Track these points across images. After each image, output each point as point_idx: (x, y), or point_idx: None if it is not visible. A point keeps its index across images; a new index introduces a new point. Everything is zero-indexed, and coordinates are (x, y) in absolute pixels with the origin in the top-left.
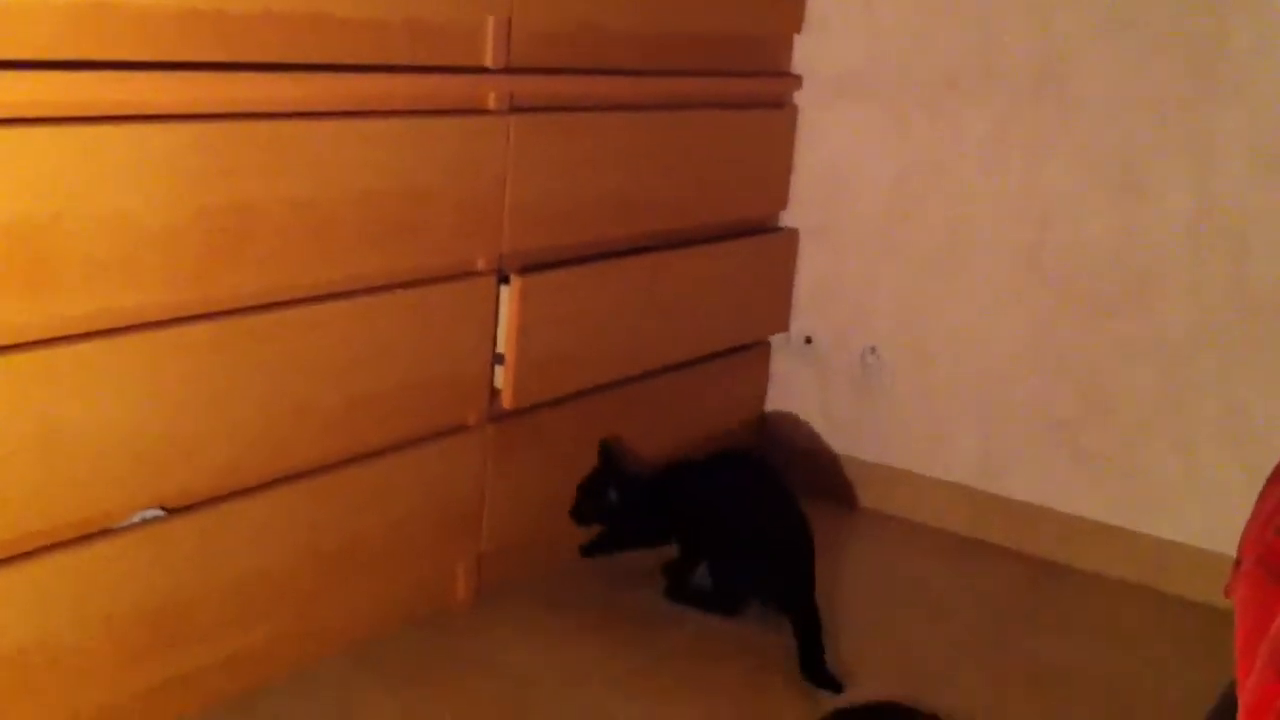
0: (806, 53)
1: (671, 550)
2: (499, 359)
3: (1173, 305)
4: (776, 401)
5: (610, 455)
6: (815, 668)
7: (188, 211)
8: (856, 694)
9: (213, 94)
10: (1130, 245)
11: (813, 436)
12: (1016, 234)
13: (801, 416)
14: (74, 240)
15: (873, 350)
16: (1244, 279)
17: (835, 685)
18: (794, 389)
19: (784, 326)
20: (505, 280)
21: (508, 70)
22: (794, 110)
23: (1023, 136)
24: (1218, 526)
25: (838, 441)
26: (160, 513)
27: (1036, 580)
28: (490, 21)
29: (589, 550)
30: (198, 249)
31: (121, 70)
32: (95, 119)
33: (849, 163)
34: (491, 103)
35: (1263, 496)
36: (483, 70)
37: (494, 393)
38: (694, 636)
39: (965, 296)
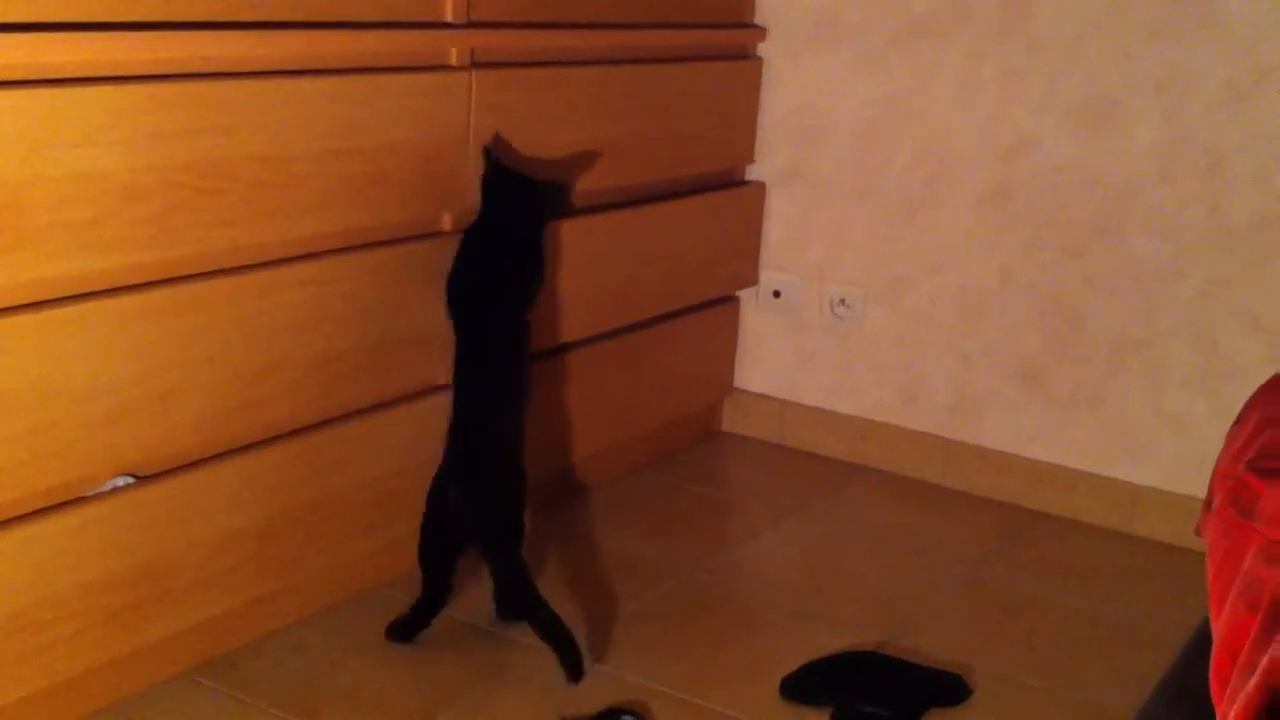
0: (770, 1)
1: None
2: None
3: (1143, 241)
4: (747, 357)
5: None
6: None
7: (153, 172)
8: (835, 641)
9: (175, 53)
10: (1101, 181)
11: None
12: (987, 173)
13: (772, 371)
14: (39, 204)
15: (843, 301)
16: (1215, 214)
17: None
18: (764, 344)
19: (753, 281)
20: None
21: (469, 25)
22: (758, 62)
23: (993, 74)
24: (1187, 469)
25: (810, 395)
26: (131, 480)
27: (1009, 526)
28: None
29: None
30: (163, 209)
31: (84, 31)
32: (58, 81)
33: (816, 110)
34: (453, 58)
35: (1232, 435)
36: (444, 25)
37: None
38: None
39: (936, 239)
